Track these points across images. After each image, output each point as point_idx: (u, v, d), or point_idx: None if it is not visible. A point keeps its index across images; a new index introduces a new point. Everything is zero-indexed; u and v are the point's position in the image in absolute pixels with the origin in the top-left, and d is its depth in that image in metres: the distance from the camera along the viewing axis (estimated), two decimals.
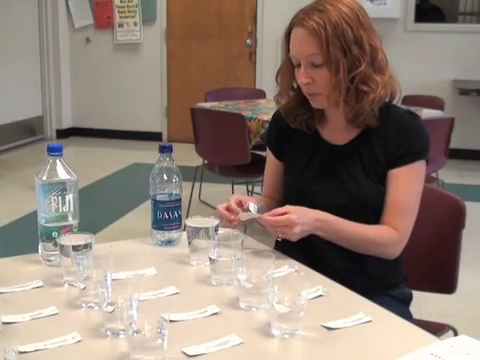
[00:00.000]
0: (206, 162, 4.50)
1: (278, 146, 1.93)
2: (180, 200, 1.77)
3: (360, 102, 1.72)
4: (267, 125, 2.37)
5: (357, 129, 1.80)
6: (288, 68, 1.79)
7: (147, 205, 1.90)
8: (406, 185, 1.75)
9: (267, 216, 1.64)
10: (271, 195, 1.95)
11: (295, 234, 1.63)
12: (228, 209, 1.71)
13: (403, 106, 1.94)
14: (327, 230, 1.69)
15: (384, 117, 1.76)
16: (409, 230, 1.75)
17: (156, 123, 7.56)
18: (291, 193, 1.86)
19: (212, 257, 1.55)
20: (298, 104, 1.83)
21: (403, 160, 1.74)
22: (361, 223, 1.73)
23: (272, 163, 1.96)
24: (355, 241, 1.73)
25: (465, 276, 2.05)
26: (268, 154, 1.97)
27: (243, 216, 1.69)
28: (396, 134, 1.75)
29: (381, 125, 1.76)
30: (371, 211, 1.77)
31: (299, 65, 1.74)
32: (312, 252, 1.76)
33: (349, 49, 1.68)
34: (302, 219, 1.63)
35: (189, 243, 1.68)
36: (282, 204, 1.90)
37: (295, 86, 1.83)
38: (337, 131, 1.82)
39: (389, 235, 1.73)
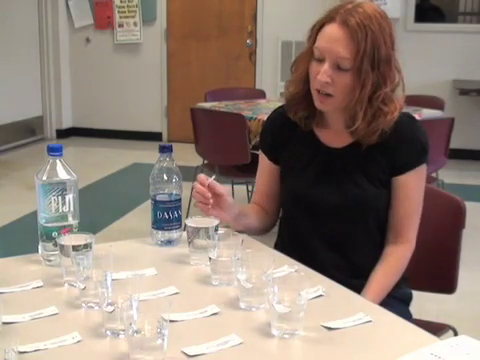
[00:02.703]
0: (206, 162, 4.49)
1: (274, 150, 1.89)
2: (180, 200, 1.77)
3: (376, 121, 1.70)
4: None
5: None
6: (307, 58, 1.73)
7: (147, 205, 1.90)
8: (414, 191, 1.77)
9: None
10: (261, 203, 1.92)
11: None
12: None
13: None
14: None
15: None
16: (416, 232, 1.79)
17: (156, 123, 7.56)
18: (289, 197, 1.84)
19: (212, 257, 1.54)
20: (303, 97, 1.79)
21: (408, 166, 1.74)
22: (361, 224, 1.75)
23: (265, 169, 1.92)
24: (393, 283, 1.77)
25: (465, 276, 2.05)
26: (261, 159, 1.93)
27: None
28: (396, 139, 1.73)
29: None
30: (371, 212, 1.77)
31: (320, 60, 1.68)
32: (310, 256, 1.74)
33: (378, 66, 1.66)
34: None
35: (189, 243, 1.68)
36: (271, 213, 1.90)
37: (305, 79, 1.77)
38: (336, 134, 1.81)
39: (405, 254, 1.79)
